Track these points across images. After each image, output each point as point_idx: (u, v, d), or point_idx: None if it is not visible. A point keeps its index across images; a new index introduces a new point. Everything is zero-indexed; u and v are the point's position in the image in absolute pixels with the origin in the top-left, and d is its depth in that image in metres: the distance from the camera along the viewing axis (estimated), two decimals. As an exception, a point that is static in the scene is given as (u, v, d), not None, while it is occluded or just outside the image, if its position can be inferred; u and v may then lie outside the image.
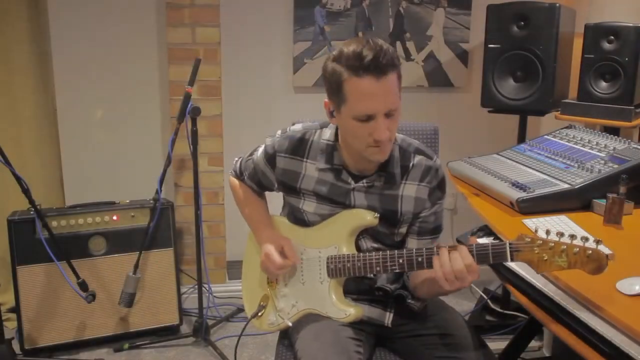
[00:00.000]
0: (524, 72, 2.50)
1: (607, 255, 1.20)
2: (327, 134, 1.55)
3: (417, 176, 1.52)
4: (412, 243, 1.58)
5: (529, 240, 1.27)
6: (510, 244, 1.29)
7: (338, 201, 1.54)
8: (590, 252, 1.21)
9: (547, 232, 1.26)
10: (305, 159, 1.56)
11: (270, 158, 1.59)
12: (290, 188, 1.59)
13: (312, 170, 1.55)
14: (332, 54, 1.37)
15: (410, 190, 1.52)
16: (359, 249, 1.56)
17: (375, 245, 1.57)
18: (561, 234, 1.25)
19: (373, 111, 1.33)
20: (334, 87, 1.37)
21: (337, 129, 1.53)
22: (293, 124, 1.62)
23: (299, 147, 1.56)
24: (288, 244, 1.58)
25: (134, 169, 3.01)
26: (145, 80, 2.94)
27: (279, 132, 1.60)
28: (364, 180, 1.51)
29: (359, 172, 1.52)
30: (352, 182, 1.52)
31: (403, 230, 1.57)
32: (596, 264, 1.20)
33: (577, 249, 1.22)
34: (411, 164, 1.52)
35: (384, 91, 1.32)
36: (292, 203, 1.61)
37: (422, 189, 1.53)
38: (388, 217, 1.53)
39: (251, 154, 1.70)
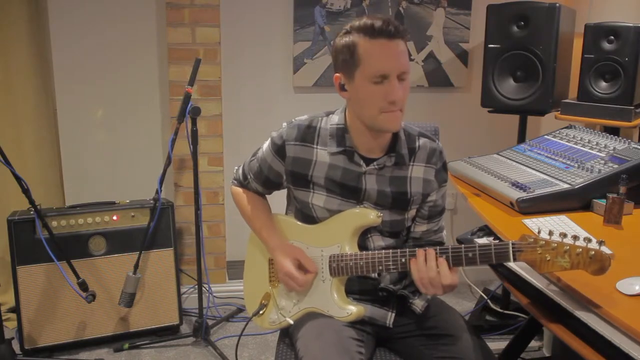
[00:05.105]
0: (524, 72, 2.50)
1: (610, 256, 1.20)
2: (335, 119, 1.57)
3: (424, 158, 1.57)
4: (422, 227, 1.63)
5: (532, 240, 1.27)
6: (513, 244, 1.29)
7: (349, 186, 1.54)
8: (593, 252, 1.20)
9: (550, 233, 1.26)
10: (315, 146, 1.56)
11: (279, 149, 1.58)
12: (300, 178, 1.57)
13: (323, 156, 1.55)
14: (341, 32, 1.46)
15: (418, 172, 1.57)
16: (366, 248, 1.57)
17: (383, 243, 1.58)
18: (564, 235, 1.25)
19: (387, 70, 1.39)
20: (346, 56, 1.42)
21: (344, 113, 1.55)
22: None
23: (307, 134, 1.56)
24: (302, 255, 1.57)
25: (134, 169, 3.01)
26: (145, 80, 2.94)
27: (284, 123, 1.60)
28: (375, 163, 1.53)
29: (369, 154, 1.54)
30: (364, 166, 1.53)
31: (413, 212, 1.60)
32: (599, 264, 1.20)
33: (580, 250, 1.21)
34: (417, 146, 1.58)
35: (396, 52, 1.39)
36: (301, 198, 1.60)
37: (429, 170, 1.58)
38: (399, 200, 1.56)
39: (254, 154, 1.70)
